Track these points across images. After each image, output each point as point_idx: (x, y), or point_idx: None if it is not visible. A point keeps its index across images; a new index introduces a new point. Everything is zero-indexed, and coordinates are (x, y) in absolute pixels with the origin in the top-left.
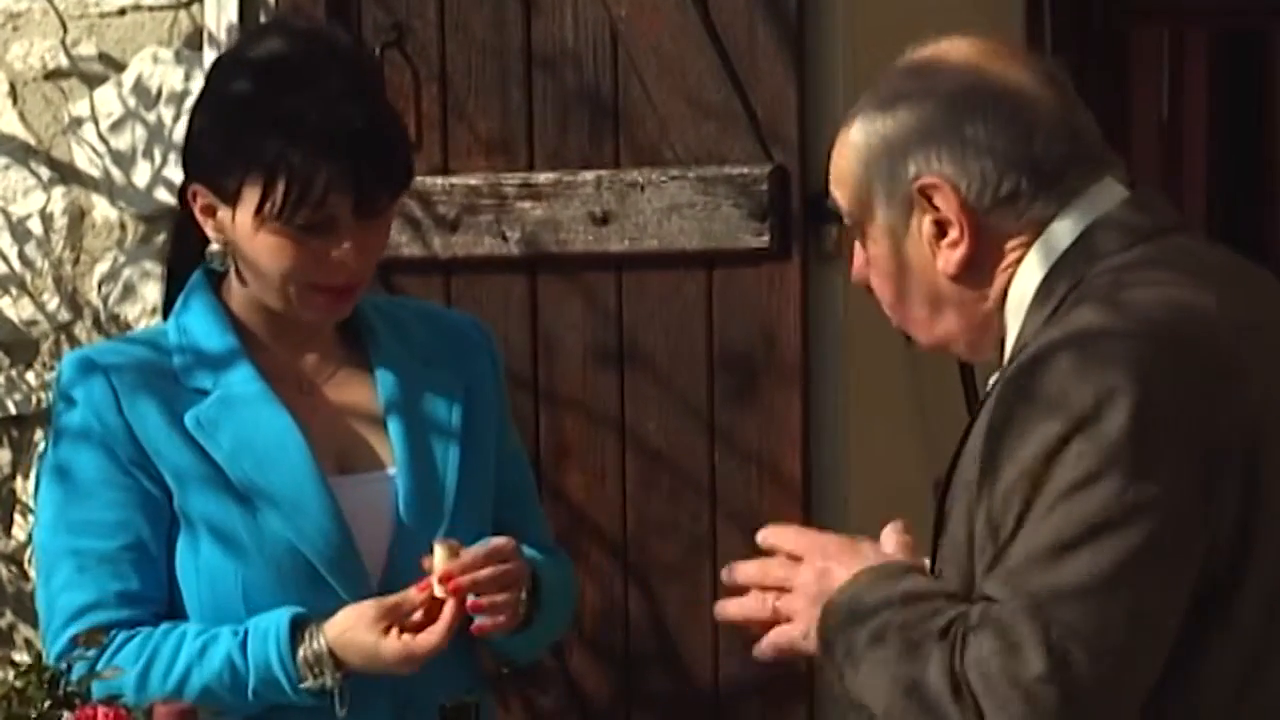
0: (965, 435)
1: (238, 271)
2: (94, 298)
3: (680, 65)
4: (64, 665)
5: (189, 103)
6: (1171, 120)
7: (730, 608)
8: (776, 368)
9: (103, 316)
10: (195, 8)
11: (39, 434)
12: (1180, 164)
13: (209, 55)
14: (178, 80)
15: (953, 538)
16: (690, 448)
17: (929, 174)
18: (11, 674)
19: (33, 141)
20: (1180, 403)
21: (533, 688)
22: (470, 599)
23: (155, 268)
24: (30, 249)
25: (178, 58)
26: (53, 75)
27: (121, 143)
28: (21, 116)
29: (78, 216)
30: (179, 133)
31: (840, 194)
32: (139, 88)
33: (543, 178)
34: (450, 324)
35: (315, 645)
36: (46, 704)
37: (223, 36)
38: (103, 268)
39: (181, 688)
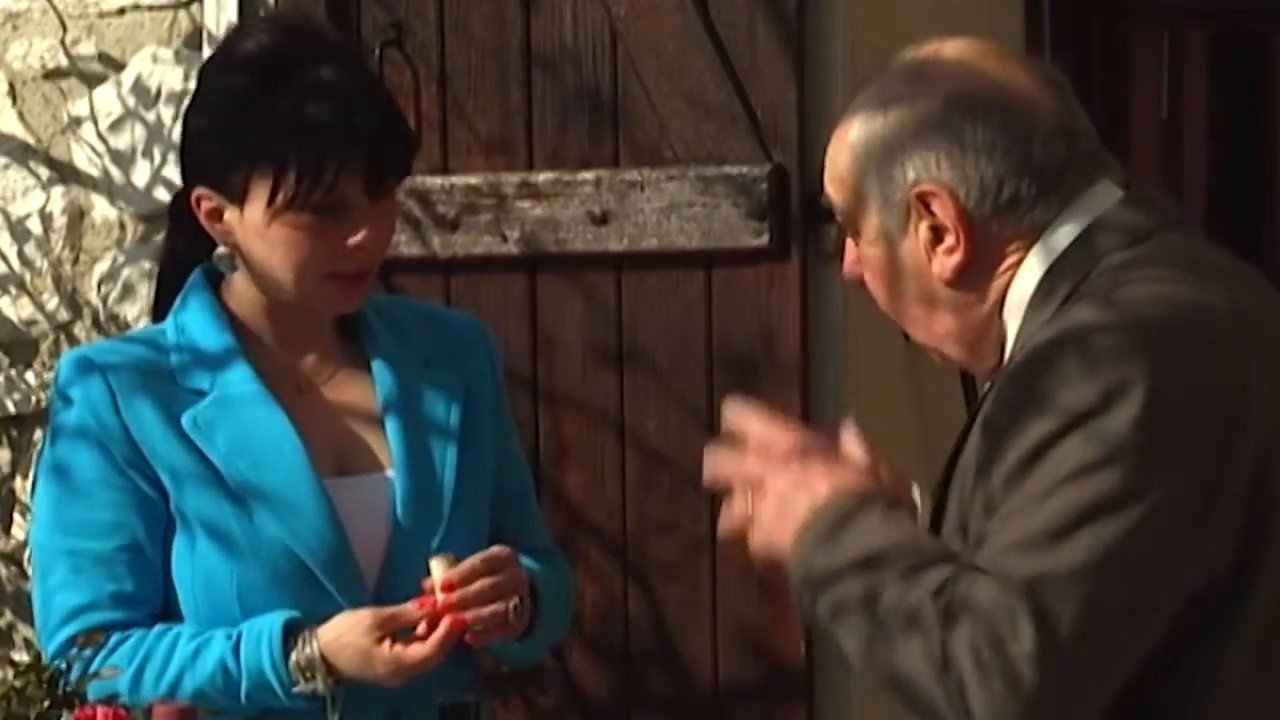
0: (963, 434)
1: (249, 271)
2: (93, 297)
3: (680, 65)
4: (63, 665)
5: (189, 102)
6: (1171, 120)
7: (725, 524)
8: (776, 367)
9: (102, 316)
10: (195, 7)
11: (39, 434)
12: (1180, 164)
13: (208, 55)
14: (177, 80)
15: (948, 531)
16: (690, 447)
17: (927, 180)
18: (11, 673)
19: (32, 141)
20: (1188, 401)
21: (533, 688)
22: (469, 614)
23: (154, 267)
24: (30, 249)
25: (177, 57)
26: (52, 75)
27: (121, 142)
28: (21, 116)
29: (77, 216)
30: (179, 132)
31: (835, 192)
32: (138, 87)
33: (542, 177)
34: (449, 324)
35: (308, 650)
36: (46, 704)
37: (222, 36)
38: (102, 267)
39: (174, 690)
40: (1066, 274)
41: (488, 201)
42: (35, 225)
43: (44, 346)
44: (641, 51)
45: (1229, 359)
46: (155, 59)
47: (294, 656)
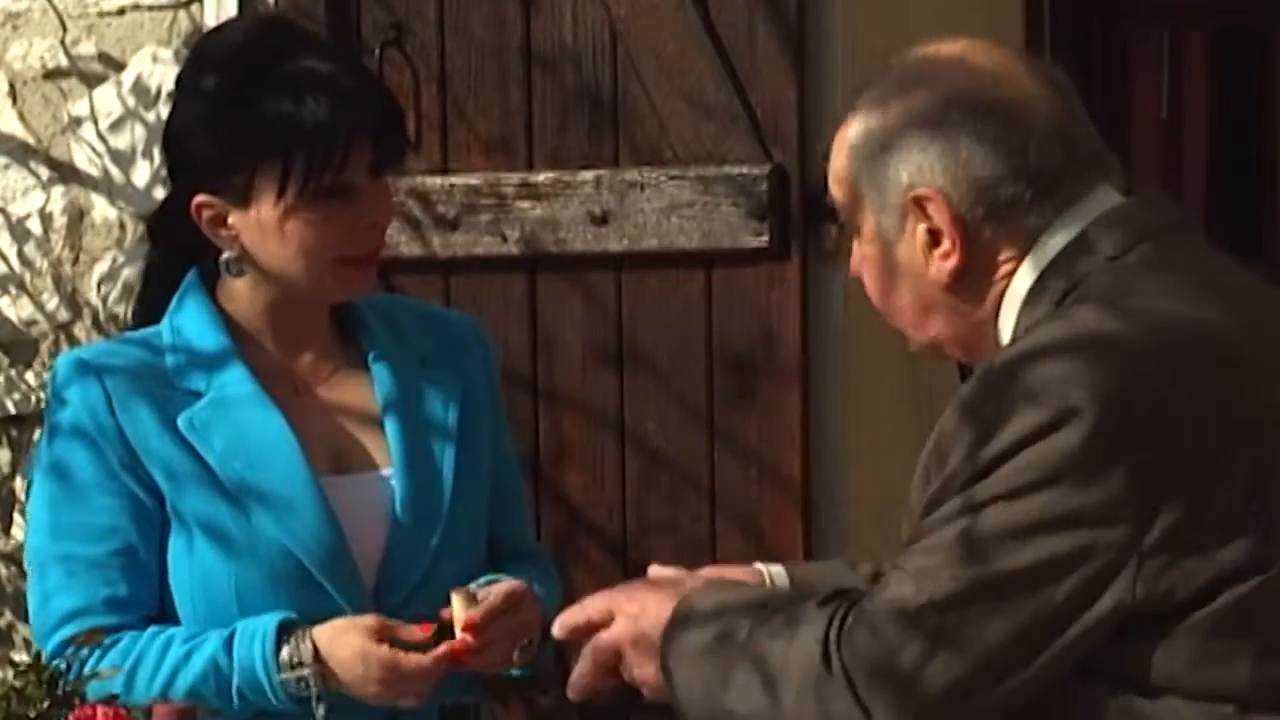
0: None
1: (258, 271)
2: (93, 297)
3: (680, 65)
4: (63, 665)
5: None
6: (1171, 120)
7: (576, 686)
8: (776, 368)
9: (102, 316)
10: (194, 7)
11: (39, 434)
12: (1180, 164)
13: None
14: (175, 80)
15: (910, 512)
16: (690, 448)
17: (922, 185)
18: (11, 673)
19: (32, 141)
20: (1146, 428)
21: (533, 688)
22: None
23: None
24: (30, 249)
25: (177, 57)
26: (52, 75)
27: (121, 142)
28: (21, 116)
29: (77, 216)
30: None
31: (838, 192)
32: (138, 87)
33: (542, 177)
34: (446, 323)
35: (302, 646)
36: (46, 704)
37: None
38: (102, 267)
39: (167, 689)
40: (1060, 276)
41: (488, 201)
42: (35, 225)
43: (44, 346)
44: (641, 51)
45: (1224, 373)
46: (155, 59)
47: (286, 650)
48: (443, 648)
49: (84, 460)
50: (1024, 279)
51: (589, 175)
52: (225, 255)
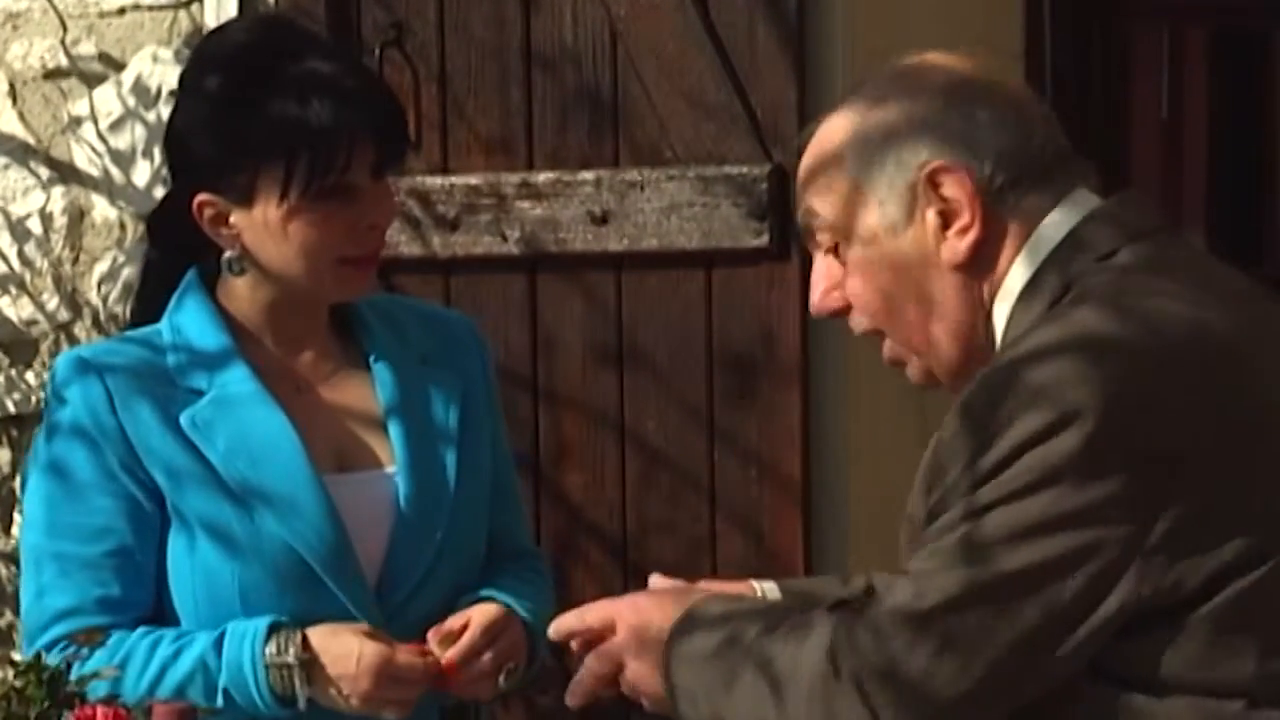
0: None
1: (259, 270)
2: (93, 297)
3: (680, 65)
4: (64, 665)
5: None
6: (1171, 120)
7: (574, 693)
8: (776, 368)
9: (102, 316)
10: (195, 7)
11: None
12: (1180, 164)
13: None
14: (177, 80)
15: (909, 519)
16: (690, 447)
17: (940, 157)
18: (11, 673)
19: (32, 141)
20: (1147, 427)
21: (533, 687)
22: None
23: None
24: (30, 248)
25: (177, 57)
26: (52, 75)
27: (121, 142)
28: (21, 116)
29: (77, 216)
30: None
31: (821, 200)
32: (138, 87)
33: (542, 177)
34: (445, 323)
35: (291, 641)
36: (46, 704)
37: None
38: (102, 267)
39: (155, 687)
40: (1055, 272)
41: (488, 201)
42: (35, 225)
43: (44, 346)
44: (641, 51)
45: (1223, 373)
46: (155, 59)
47: (273, 644)
48: (432, 658)
49: (82, 459)
50: (1019, 272)
51: (589, 175)
52: (226, 255)
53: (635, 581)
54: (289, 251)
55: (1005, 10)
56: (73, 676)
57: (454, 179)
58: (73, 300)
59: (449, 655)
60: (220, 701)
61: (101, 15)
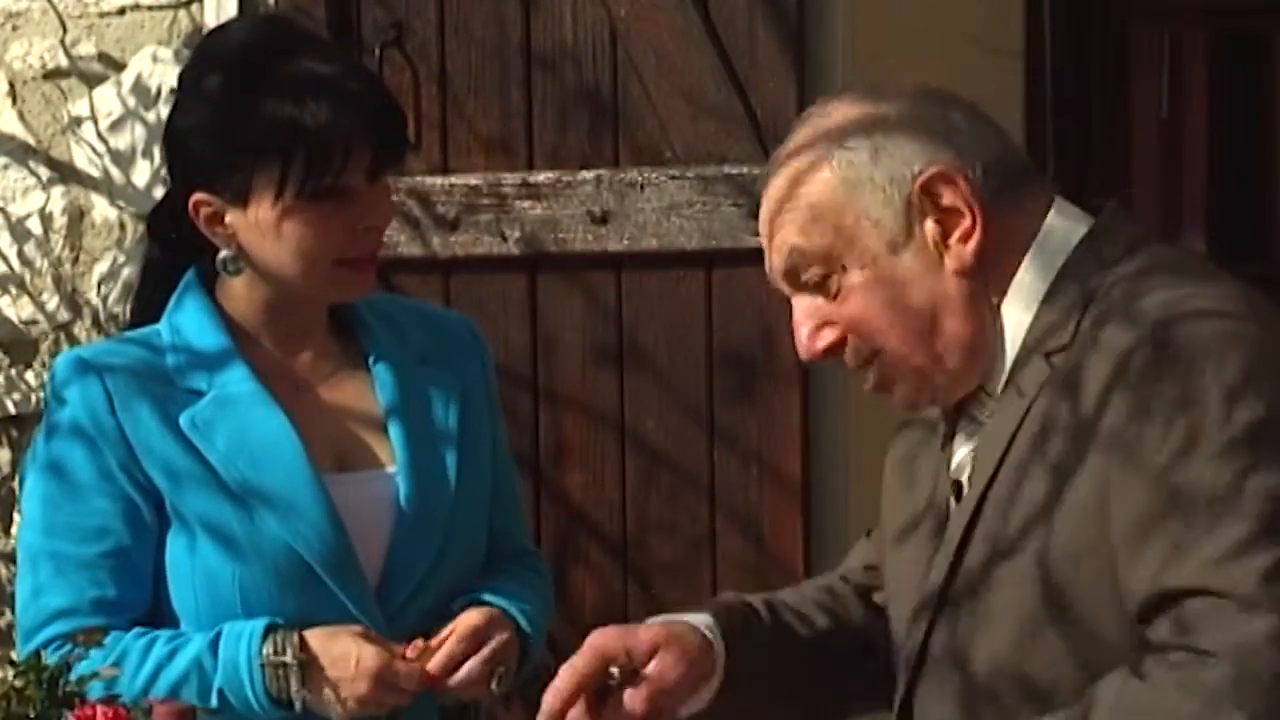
0: (1010, 440)
1: (255, 270)
2: (93, 297)
3: (680, 65)
4: (64, 664)
5: (172, 108)
6: (1171, 120)
7: None
8: (776, 368)
9: (102, 316)
10: (194, 7)
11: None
12: (1180, 164)
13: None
14: (176, 79)
15: (1071, 508)
16: (690, 447)
17: (934, 165)
18: (11, 673)
19: (32, 141)
20: None
21: (533, 687)
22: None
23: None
24: (30, 248)
25: (177, 57)
26: (52, 75)
27: (121, 142)
28: (21, 116)
29: (77, 216)
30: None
31: (804, 236)
32: (138, 87)
33: (542, 177)
34: (444, 323)
35: (289, 641)
36: (46, 703)
37: None
38: (102, 267)
39: (149, 688)
40: (1074, 279)
41: (488, 201)
42: (35, 225)
43: (44, 346)
44: (641, 51)
45: None
46: (155, 59)
47: (270, 644)
48: (424, 663)
49: (81, 460)
50: (1030, 272)
51: (589, 175)
52: (221, 255)
53: (635, 581)
54: (284, 252)
55: (1005, 10)
56: (72, 676)
57: (454, 179)
58: (73, 300)
59: (430, 666)
60: (215, 702)
61: (101, 15)
